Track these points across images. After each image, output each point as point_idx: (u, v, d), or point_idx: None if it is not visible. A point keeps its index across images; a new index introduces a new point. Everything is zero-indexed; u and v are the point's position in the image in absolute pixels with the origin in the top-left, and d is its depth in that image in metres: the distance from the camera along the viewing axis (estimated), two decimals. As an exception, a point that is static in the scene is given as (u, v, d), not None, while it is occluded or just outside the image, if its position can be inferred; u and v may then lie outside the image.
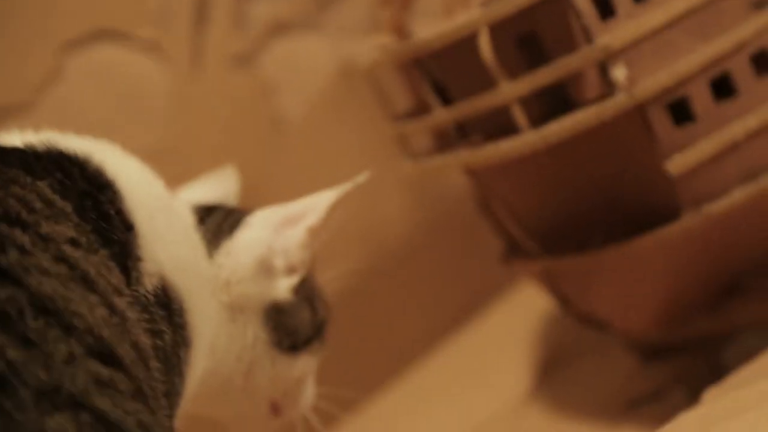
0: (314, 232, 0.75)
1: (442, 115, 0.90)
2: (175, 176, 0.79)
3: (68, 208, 0.58)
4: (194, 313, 0.67)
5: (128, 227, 0.62)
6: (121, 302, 0.56)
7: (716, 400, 0.78)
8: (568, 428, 1.04)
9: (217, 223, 0.74)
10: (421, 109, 0.96)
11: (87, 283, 0.54)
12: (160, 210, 0.68)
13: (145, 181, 0.70)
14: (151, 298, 0.62)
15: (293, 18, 1.20)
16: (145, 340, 0.58)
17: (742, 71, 0.83)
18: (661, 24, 0.81)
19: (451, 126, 0.91)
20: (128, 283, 0.60)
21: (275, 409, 0.78)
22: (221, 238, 0.73)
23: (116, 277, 0.58)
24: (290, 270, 0.76)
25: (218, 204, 0.79)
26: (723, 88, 0.83)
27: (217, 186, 0.86)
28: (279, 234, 0.75)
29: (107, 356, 0.51)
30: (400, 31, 0.94)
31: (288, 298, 0.75)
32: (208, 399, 0.74)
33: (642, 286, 0.92)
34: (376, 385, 1.24)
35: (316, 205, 0.75)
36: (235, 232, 0.74)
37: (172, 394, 0.63)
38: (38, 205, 0.56)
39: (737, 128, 0.83)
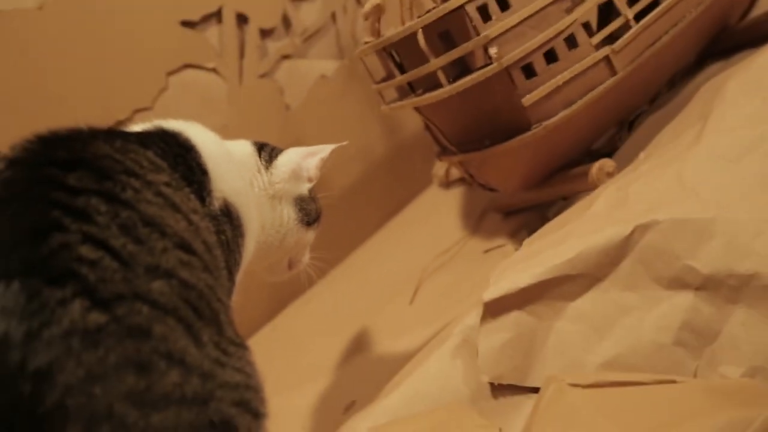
0: (323, 162, 1.15)
1: (400, 79, 1.30)
2: (231, 138, 1.23)
3: (165, 164, 0.88)
4: (245, 217, 1.01)
5: (203, 172, 0.95)
6: (196, 217, 0.86)
7: (530, 243, 1.15)
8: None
9: (269, 151, 1.14)
10: (389, 76, 1.36)
11: (174, 207, 0.82)
12: (224, 160, 1.01)
13: (214, 143, 1.03)
14: (218, 212, 0.95)
15: (291, 50, 1.75)
16: (211, 238, 0.88)
17: (560, 47, 1.22)
18: (516, 22, 1.19)
19: (405, 85, 1.32)
20: (203, 205, 0.92)
21: (291, 263, 1.19)
22: (273, 158, 1.13)
23: (194, 203, 0.88)
24: (309, 179, 1.15)
25: (265, 142, 1.17)
26: (551, 56, 1.22)
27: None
28: (304, 159, 1.14)
29: (186, 248, 0.79)
30: (376, 32, 1.32)
31: (306, 194, 1.15)
32: (257, 257, 1.10)
33: (512, 167, 1.32)
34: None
35: (324, 148, 1.16)
36: (279, 156, 1.13)
37: (233, 264, 0.97)
38: (146, 163, 0.84)
39: (559, 78, 1.22)
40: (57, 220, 0.70)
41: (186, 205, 0.85)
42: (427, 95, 1.24)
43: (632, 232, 0.97)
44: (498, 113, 1.24)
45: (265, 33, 1.68)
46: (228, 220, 0.97)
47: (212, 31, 1.60)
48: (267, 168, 1.12)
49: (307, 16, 1.75)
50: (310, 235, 1.19)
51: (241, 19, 1.63)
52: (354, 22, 1.83)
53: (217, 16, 1.59)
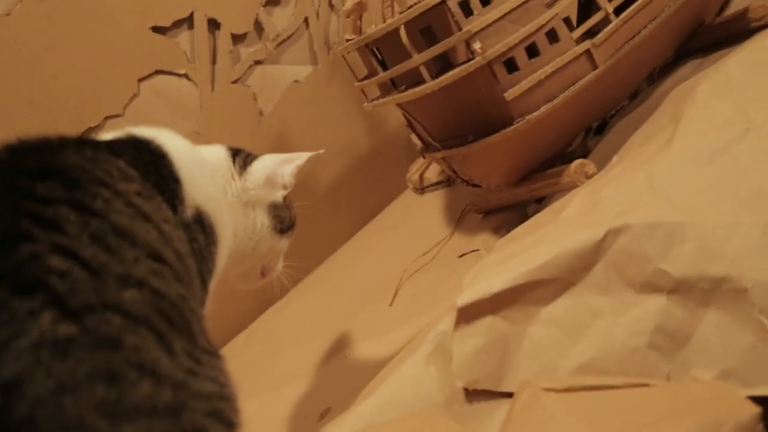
0: (298, 169, 1.15)
1: (382, 76, 1.29)
2: (204, 144, 1.21)
3: (136, 173, 0.87)
4: (218, 225, 1.00)
5: (175, 181, 0.94)
6: (167, 227, 0.85)
7: (502, 246, 1.17)
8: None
9: (244, 157, 1.13)
10: (371, 74, 1.37)
11: (145, 217, 0.81)
12: (196, 167, 1.00)
13: (187, 150, 1.01)
14: (190, 220, 0.94)
15: (263, 56, 1.73)
16: (183, 247, 0.87)
17: (542, 41, 1.24)
18: (497, 17, 1.20)
19: (388, 82, 1.31)
20: (176, 214, 0.91)
21: (264, 271, 1.19)
22: (248, 164, 1.13)
23: (165, 212, 0.87)
24: (284, 186, 1.15)
25: (240, 148, 1.17)
26: (532, 50, 1.23)
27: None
28: (279, 166, 1.15)
29: (157, 257, 0.78)
30: (358, 29, 1.34)
31: (281, 201, 1.15)
32: (230, 265, 1.08)
33: (496, 162, 1.33)
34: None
35: (301, 156, 1.16)
36: (254, 162, 1.13)
37: (206, 272, 0.96)
38: (116, 173, 0.84)
39: (541, 73, 1.23)
40: (26, 230, 0.69)
41: (157, 215, 0.85)
42: (410, 91, 1.24)
43: (604, 237, 0.98)
44: (481, 108, 1.25)
45: (237, 38, 1.67)
46: (200, 228, 0.97)
47: (183, 37, 1.59)
48: (241, 174, 1.12)
49: (279, 21, 1.74)
50: (284, 242, 1.18)
51: (213, 25, 1.62)
52: (327, 27, 1.83)
53: (188, 21, 1.59)
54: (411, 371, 0.98)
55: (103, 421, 0.64)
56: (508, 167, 1.33)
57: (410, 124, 1.44)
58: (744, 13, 1.36)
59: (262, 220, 1.14)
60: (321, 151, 1.19)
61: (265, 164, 1.14)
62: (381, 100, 1.33)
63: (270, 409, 1.35)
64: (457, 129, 1.30)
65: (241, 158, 1.14)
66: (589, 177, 1.26)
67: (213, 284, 1.00)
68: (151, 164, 0.93)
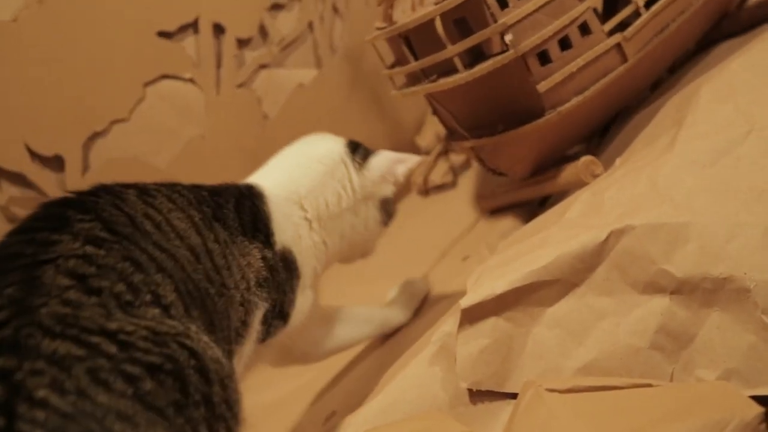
0: (409, 171, 1.26)
1: (415, 65, 1.30)
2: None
3: (231, 213, 1.06)
4: (301, 261, 1.13)
5: (270, 230, 1.09)
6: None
7: (505, 248, 1.17)
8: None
9: (363, 151, 1.24)
10: (399, 62, 1.39)
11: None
12: (285, 217, 1.13)
13: (280, 203, 1.13)
14: (278, 256, 1.09)
15: (268, 60, 1.73)
16: (253, 276, 1.03)
17: (574, 34, 1.24)
18: (531, 10, 1.20)
19: (418, 71, 1.31)
20: (269, 248, 1.07)
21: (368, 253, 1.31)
22: (367, 158, 1.23)
23: (256, 250, 1.05)
24: (394, 183, 1.25)
25: (358, 141, 1.28)
26: (565, 43, 1.24)
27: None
28: (395, 165, 1.24)
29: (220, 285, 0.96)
30: (389, 18, 1.34)
31: (390, 196, 1.27)
32: (345, 254, 1.27)
33: (523, 152, 1.33)
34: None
35: (412, 158, 1.26)
36: (371, 158, 1.24)
37: (284, 293, 1.09)
38: (231, 222, 1.04)
39: (572, 66, 1.23)
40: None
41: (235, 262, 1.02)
42: (443, 81, 1.24)
43: (607, 238, 0.98)
44: (513, 99, 1.25)
45: (242, 43, 1.67)
46: (284, 264, 1.11)
47: (189, 41, 1.60)
48: (360, 168, 1.23)
49: (284, 26, 1.75)
50: (384, 232, 1.32)
51: (218, 29, 1.63)
52: (331, 31, 1.83)
53: (193, 26, 1.59)
54: (415, 372, 0.98)
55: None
56: (535, 157, 1.34)
57: (436, 112, 1.44)
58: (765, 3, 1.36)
59: (374, 215, 1.25)
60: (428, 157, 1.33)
61: (381, 161, 1.24)
62: (412, 88, 1.33)
63: (276, 414, 1.36)
64: (487, 119, 1.30)
65: (360, 154, 1.24)
66: (595, 176, 1.26)
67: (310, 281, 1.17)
68: (254, 217, 1.09)
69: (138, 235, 0.89)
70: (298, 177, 1.19)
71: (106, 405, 0.70)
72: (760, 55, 1.19)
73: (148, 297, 0.83)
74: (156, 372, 0.75)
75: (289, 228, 1.13)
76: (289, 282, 1.11)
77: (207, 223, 1.00)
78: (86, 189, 0.94)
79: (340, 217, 1.21)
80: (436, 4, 1.21)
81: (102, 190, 0.94)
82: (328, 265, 1.24)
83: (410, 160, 1.25)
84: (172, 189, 1.01)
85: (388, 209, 1.27)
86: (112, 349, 0.75)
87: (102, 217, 0.88)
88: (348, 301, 1.38)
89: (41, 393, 0.69)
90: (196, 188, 1.05)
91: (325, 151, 1.23)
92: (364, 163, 1.23)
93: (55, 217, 0.88)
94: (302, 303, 1.15)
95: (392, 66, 1.41)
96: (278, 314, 1.10)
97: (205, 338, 0.84)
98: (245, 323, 1.02)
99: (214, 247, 0.98)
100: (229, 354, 0.95)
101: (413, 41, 1.31)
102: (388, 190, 1.26)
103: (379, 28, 1.34)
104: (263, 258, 1.06)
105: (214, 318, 0.93)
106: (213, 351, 0.84)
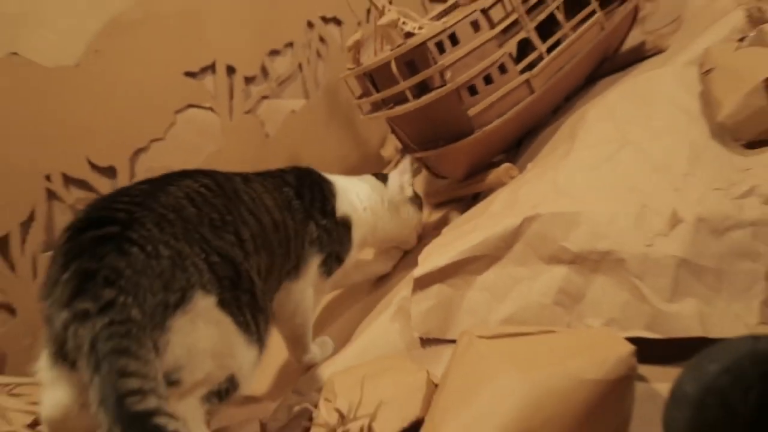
0: (410, 174, 1.32)
1: (376, 97, 1.29)
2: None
3: (300, 199, 1.11)
4: (355, 227, 1.20)
5: (333, 204, 1.17)
6: (312, 226, 1.11)
7: (447, 232, 1.15)
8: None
9: (382, 177, 1.30)
10: (365, 94, 1.37)
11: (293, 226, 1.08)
12: (345, 191, 1.22)
13: (345, 192, 1.22)
14: (339, 221, 1.16)
15: (268, 92, 1.70)
16: (307, 239, 1.10)
17: (495, 73, 1.24)
18: (462, 55, 1.20)
19: (380, 101, 1.30)
20: (328, 217, 1.14)
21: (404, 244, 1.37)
22: (385, 181, 1.31)
23: (312, 223, 1.12)
24: (408, 187, 1.31)
25: (382, 173, 1.35)
26: (488, 79, 1.23)
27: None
28: (400, 176, 1.31)
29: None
30: (357, 61, 1.33)
31: (412, 194, 1.32)
32: (390, 237, 1.31)
33: (459, 161, 1.32)
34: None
35: (407, 164, 1.32)
36: (388, 179, 1.30)
37: (341, 244, 1.18)
38: (289, 197, 1.09)
39: (494, 96, 1.23)
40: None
41: (300, 226, 1.10)
42: (397, 108, 1.25)
43: (522, 223, 0.98)
44: (450, 122, 1.25)
45: (249, 80, 1.66)
46: (345, 227, 1.19)
47: (208, 80, 1.58)
48: (386, 185, 1.32)
49: (280, 67, 1.73)
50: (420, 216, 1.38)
51: (230, 70, 1.61)
52: (316, 71, 1.82)
53: (211, 68, 1.57)
54: (380, 327, 0.98)
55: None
56: (468, 165, 1.33)
57: (394, 131, 1.43)
58: (639, 46, 1.37)
59: (409, 210, 1.32)
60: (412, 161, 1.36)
61: (392, 179, 1.33)
62: (375, 114, 1.33)
63: (264, 362, 1.32)
64: (431, 136, 1.29)
65: (382, 177, 1.34)
66: (512, 178, 1.26)
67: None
68: (321, 194, 1.17)
69: (237, 199, 0.96)
70: (359, 185, 1.30)
71: (187, 253, 0.80)
72: (631, 88, 1.19)
73: (230, 230, 0.90)
74: (221, 255, 0.85)
75: (348, 205, 1.22)
76: (346, 237, 1.19)
77: (286, 204, 1.07)
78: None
79: (383, 212, 1.29)
80: (391, 50, 1.20)
81: (213, 172, 1.00)
82: (377, 242, 1.32)
83: (407, 167, 1.32)
84: (263, 177, 1.09)
85: (417, 203, 1.35)
86: (197, 234, 0.84)
87: (216, 179, 0.96)
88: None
89: (149, 225, 0.80)
90: (280, 175, 1.14)
91: (370, 178, 1.34)
92: (385, 184, 1.32)
93: (185, 172, 0.96)
94: (353, 255, 1.22)
95: (360, 96, 1.39)
96: (336, 259, 1.17)
97: (255, 275, 0.92)
98: (297, 268, 1.08)
99: (290, 224, 1.05)
100: (279, 284, 1.03)
101: (375, 78, 1.30)
102: (408, 192, 1.32)
103: (349, 69, 1.33)
104: (317, 225, 1.13)
105: (274, 261, 0.99)
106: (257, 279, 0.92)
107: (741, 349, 0.61)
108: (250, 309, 0.86)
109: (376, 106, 1.33)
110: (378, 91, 1.29)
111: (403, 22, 1.19)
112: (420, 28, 1.19)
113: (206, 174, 0.96)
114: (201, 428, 0.80)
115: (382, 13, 1.23)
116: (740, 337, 0.62)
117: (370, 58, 1.29)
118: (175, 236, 0.81)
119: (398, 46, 1.19)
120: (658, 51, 1.31)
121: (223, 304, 0.82)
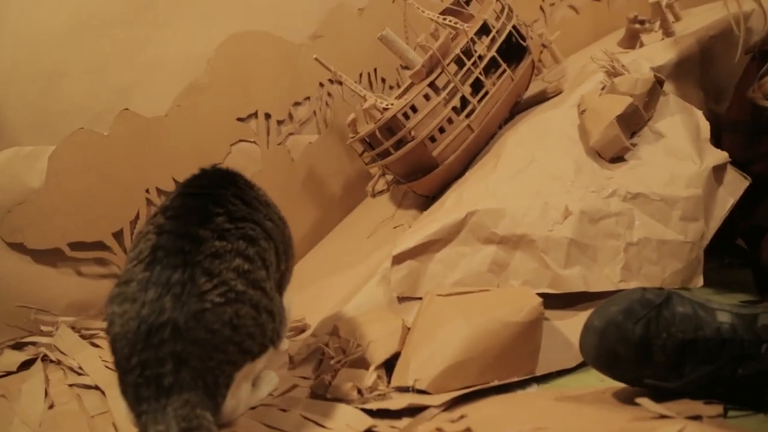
0: None
1: (371, 153, 1.24)
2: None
3: None
4: None
5: None
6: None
7: (417, 222, 1.09)
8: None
9: None
10: (365, 150, 1.29)
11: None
12: None
13: None
14: None
15: (293, 130, 1.61)
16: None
17: (445, 124, 1.18)
18: (421, 118, 1.14)
19: (374, 154, 1.24)
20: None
21: None
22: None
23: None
24: None
25: None
26: (442, 129, 1.18)
27: None
28: None
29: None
30: (355, 131, 1.28)
31: None
32: None
33: (432, 185, 1.20)
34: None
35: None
36: None
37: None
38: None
39: (447, 140, 1.18)
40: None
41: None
42: (386, 159, 1.21)
43: (466, 216, 0.97)
44: (421, 162, 1.19)
45: (280, 122, 1.62)
46: None
47: (252, 122, 1.54)
48: None
49: (301, 113, 1.70)
50: None
51: (267, 116, 1.58)
52: (325, 115, 1.78)
53: (254, 114, 1.54)
54: (369, 290, 0.96)
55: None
56: (439, 187, 1.24)
57: (387, 170, 1.36)
58: (543, 91, 1.34)
59: None
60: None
61: None
62: (373, 163, 1.29)
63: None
64: (410, 172, 1.24)
65: None
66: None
67: None
68: None
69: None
70: None
71: (226, 269, 0.62)
72: (535, 122, 1.16)
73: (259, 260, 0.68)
74: (244, 272, 0.64)
75: None
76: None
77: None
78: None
79: None
80: (374, 123, 1.17)
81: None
82: None
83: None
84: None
85: None
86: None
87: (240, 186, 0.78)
88: (329, 256, 1.29)
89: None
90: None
91: None
92: None
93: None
94: None
95: (362, 154, 1.33)
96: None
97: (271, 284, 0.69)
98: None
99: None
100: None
101: (369, 140, 1.26)
102: None
103: (351, 137, 1.29)
104: None
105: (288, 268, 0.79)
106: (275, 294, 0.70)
107: (633, 296, 0.62)
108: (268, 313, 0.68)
109: (373, 158, 1.29)
110: (373, 148, 1.25)
111: (380, 102, 1.17)
112: (391, 104, 1.16)
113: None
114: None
115: (364, 99, 1.20)
116: (634, 289, 0.64)
117: (363, 127, 1.25)
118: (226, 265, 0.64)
119: (379, 119, 1.16)
120: (559, 92, 1.28)
121: None
